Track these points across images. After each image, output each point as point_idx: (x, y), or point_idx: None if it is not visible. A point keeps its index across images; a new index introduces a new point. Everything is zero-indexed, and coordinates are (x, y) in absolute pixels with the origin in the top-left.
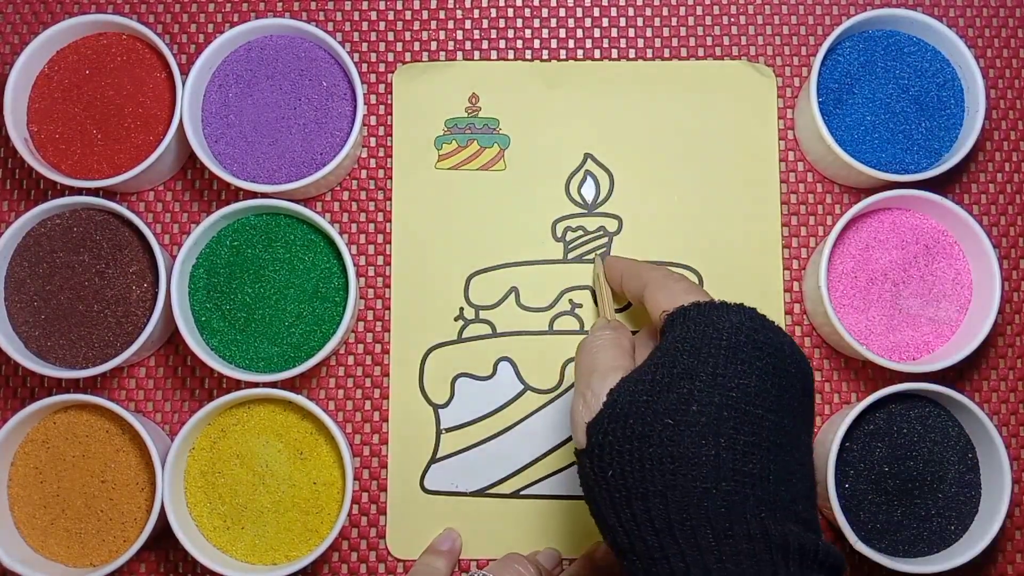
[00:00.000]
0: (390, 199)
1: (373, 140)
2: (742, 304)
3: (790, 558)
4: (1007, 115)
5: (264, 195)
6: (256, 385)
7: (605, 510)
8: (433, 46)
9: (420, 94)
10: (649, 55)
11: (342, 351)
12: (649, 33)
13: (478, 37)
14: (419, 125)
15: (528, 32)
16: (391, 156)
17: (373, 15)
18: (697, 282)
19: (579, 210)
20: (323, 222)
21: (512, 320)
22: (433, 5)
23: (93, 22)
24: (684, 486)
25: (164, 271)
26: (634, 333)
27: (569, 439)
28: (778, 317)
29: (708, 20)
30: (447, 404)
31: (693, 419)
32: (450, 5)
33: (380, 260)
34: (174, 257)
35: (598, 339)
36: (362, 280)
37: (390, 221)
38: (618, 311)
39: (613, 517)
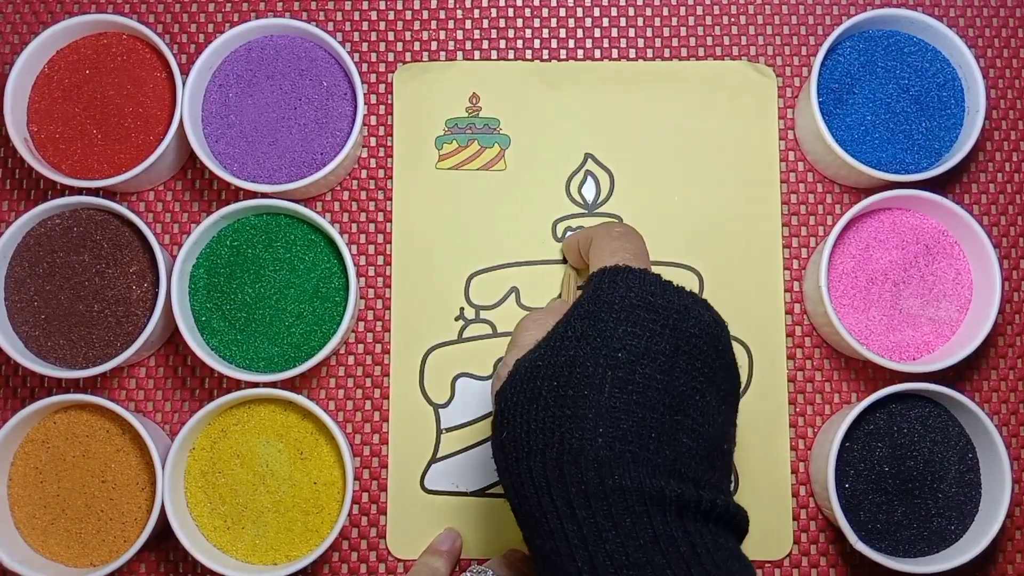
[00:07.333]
0: (390, 199)
1: (373, 140)
2: (647, 270)
3: (667, 508)
4: (1007, 115)
5: (264, 195)
6: (256, 385)
7: (501, 475)
8: (433, 46)
9: (420, 94)
10: (649, 55)
11: (342, 351)
12: (649, 33)
13: (478, 37)
14: (419, 125)
15: (528, 32)
16: (391, 156)
17: (373, 15)
18: (697, 282)
19: (579, 210)
20: (323, 222)
21: (512, 320)
22: (433, 5)
23: (93, 22)
24: (560, 444)
25: (164, 271)
26: None
27: None
28: (778, 317)
29: (708, 20)
30: (447, 404)
31: (576, 380)
32: (450, 5)
33: (380, 260)
34: (174, 257)
35: (527, 319)
36: (362, 280)
37: (390, 221)
38: None
39: (506, 479)
